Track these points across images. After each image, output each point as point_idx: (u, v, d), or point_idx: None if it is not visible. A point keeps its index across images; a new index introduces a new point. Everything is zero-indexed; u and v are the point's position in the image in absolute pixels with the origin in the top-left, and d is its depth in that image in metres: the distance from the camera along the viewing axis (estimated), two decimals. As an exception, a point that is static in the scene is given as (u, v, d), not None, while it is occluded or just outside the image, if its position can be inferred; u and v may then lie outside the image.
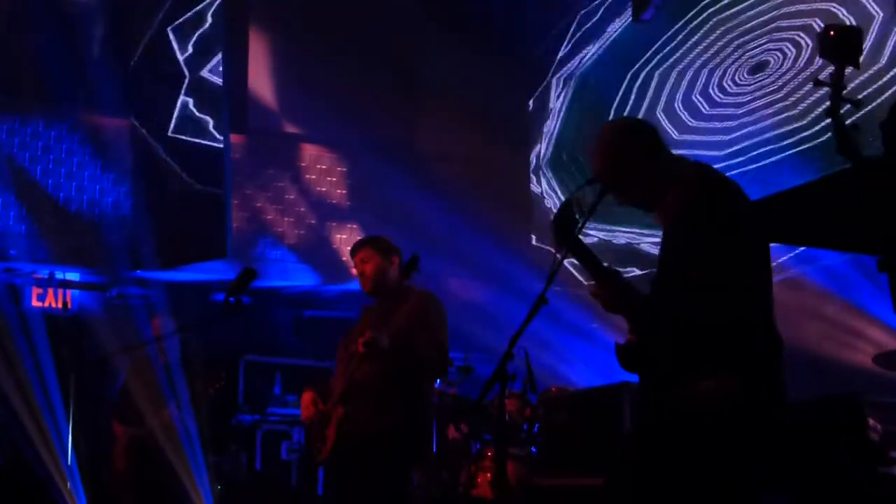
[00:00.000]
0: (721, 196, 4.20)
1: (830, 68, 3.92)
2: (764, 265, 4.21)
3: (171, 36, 12.02)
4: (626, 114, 11.26)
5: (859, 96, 4.26)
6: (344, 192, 12.94)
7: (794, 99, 9.38)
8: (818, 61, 8.92)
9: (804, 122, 9.15)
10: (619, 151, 4.42)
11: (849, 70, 3.90)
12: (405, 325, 6.19)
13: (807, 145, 9.04)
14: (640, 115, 10.81)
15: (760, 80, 9.92)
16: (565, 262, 4.53)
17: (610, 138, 4.49)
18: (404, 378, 6.20)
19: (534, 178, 13.09)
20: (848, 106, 3.93)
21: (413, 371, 6.22)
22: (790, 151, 9.23)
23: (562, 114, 12.73)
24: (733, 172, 9.02)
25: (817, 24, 9.22)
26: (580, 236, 4.37)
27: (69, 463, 9.29)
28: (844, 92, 3.87)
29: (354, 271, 6.58)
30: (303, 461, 11.79)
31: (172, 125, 11.80)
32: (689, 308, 4.09)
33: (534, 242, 12.76)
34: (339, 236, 12.72)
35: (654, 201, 4.44)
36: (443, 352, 6.28)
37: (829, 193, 3.78)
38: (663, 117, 10.93)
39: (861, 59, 3.94)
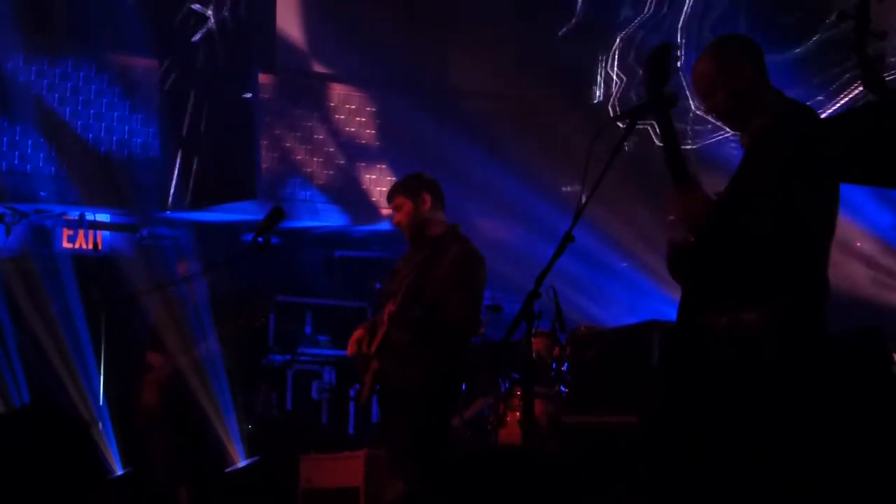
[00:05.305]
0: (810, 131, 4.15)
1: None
2: (833, 210, 4.17)
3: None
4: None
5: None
6: (373, 131, 12.86)
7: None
8: None
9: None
10: (730, 57, 4.34)
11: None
12: (440, 285, 6.16)
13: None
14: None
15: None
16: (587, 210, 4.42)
17: (725, 44, 4.46)
18: (436, 340, 6.17)
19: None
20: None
21: (445, 333, 6.20)
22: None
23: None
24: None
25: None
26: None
27: (100, 403, 9.37)
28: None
29: (386, 212, 6.55)
30: (333, 401, 11.86)
31: (201, 64, 11.74)
32: (754, 231, 4.05)
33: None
34: (368, 176, 12.67)
35: (740, 120, 4.37)
36: (476, 314, 6.33)
37: (855, 127, 3.72)
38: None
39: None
